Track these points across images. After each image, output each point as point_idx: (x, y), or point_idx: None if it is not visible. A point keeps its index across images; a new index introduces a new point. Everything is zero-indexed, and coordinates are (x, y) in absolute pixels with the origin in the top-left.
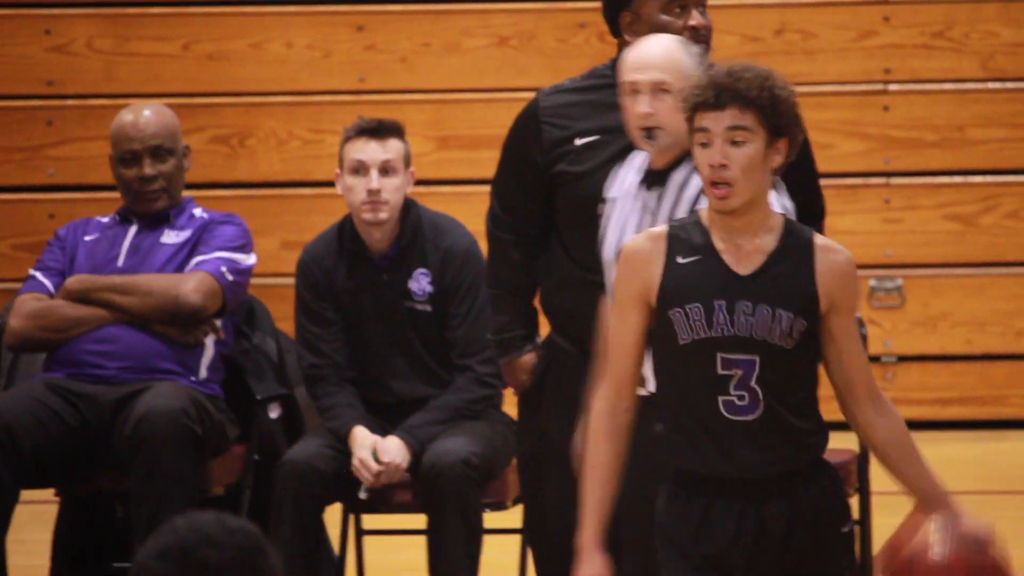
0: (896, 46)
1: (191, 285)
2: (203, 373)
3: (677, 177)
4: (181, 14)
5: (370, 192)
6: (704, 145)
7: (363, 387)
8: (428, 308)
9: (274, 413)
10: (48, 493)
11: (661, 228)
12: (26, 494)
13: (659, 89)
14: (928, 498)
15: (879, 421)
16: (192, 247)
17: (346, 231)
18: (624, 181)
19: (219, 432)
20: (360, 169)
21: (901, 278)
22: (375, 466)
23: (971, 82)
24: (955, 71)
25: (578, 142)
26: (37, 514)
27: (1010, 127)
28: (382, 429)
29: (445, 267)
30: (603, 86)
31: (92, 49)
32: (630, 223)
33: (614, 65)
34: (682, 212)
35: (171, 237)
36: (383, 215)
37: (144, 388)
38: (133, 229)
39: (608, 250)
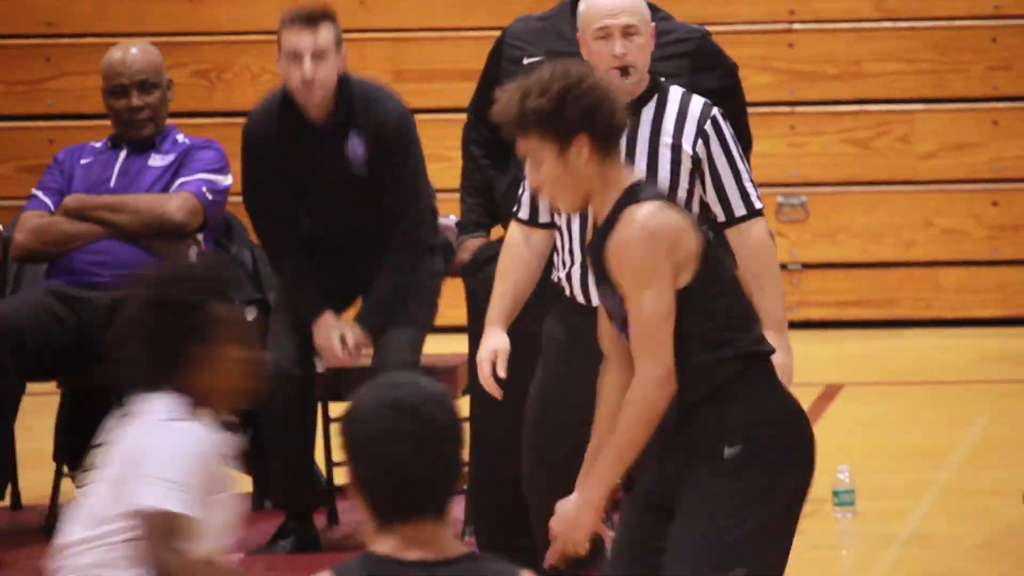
0: None
1: (175, 204)
2: None
3: (648, 110)
4: None
5: (304, 80)
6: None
7: (312, 246)
8: (364, 173)
9: (250, 316)
10: (51, 385)
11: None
12: (31, 386)
13: (629, 32)
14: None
15: (632, 379)
16: (176, 170)
17: (288, 102)
18: None
19: None
20: (295, 57)
21: (805, 195)
22: (340, 351)
23: (867, 21)
24: (853, 12)
25: (526, 61)
26: (41, 404)
27: (902, 61)
28: (333, 292)
29: (379, 134)
30: (558, 17)
31: None
32: None
33: (574, 1)
34: (666, 138)
35: (157, 160)
36: (316, 99)
37: None
38: (123, 154)
39: None
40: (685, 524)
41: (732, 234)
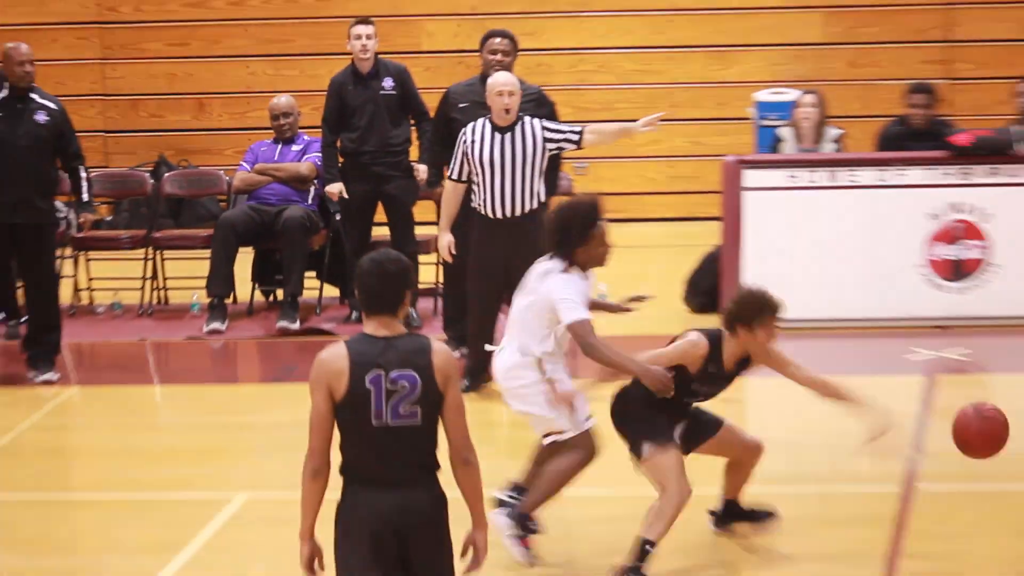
0: None
1: (305, 167)
2: (309, 200)
3: (518, 129)
4: None
5: (362, 48)
6: None
7: (356, 143)
8: (393, 93)
9: (338, 216)
10: (249, 249)
11: None
12: (241, 250)
13: (511, 94)
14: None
15: None
16: (303, 152)
17: (351, 66)
18: (483, 127)
19: (315, 224)
20: (357, 38)
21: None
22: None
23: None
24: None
25: (460, 106)
26: (246, 258)
27: None
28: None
29: (399, 76)
30: (476, 83)
31: None
32: (493, 148)
33: (482, 76)
34: (529, 149)
35: (294, 148)
36: (368, 61)
37: (287, 207)
38: (279, 145)
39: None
40: None
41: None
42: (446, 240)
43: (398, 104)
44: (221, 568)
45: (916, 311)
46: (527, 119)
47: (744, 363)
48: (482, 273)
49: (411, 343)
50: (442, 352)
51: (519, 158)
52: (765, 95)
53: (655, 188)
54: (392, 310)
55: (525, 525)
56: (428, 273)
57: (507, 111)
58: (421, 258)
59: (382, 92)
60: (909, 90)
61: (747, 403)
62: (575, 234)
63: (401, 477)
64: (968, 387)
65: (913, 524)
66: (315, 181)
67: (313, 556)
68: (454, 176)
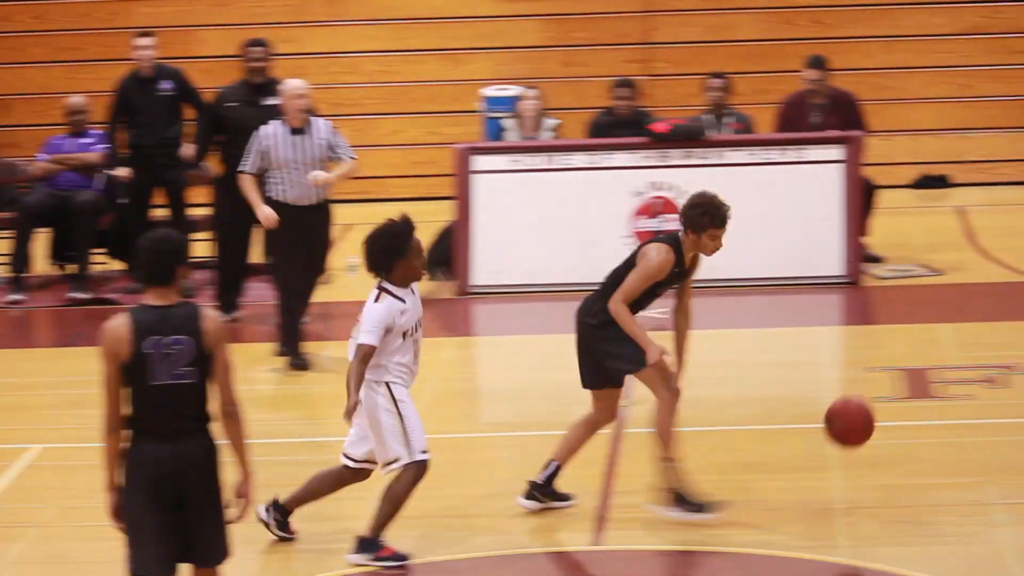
0: None
1: (95, 157)
2: (98, 186)
3: (309, 131)
4: None
5: (145, 56)
6: None
7: (139, 137)
8: (171, 94)
9: (122, 200)
10: (47, 230)
11: None
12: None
13: (302, 96)
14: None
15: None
16: (93, 144)
17: (135, 71)
18: (276, 129)
19: (103, 207)
20: (141, 48)
21: None
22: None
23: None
24: None
25: (226, 104)
26: (44, 237)
27: None
28: None
29: (176, 79)
30: (239, 87)
31: None
32: (286, 148)
33: (243, 82)
34: (316, 150)
35: (86, 140)
36: (148, 67)
37: (79, 192)
38: (73, 140)
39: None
40: None
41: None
42: (269, 211)
43: (175, 104)
44: (16, 513)
45: None
46: (315, 119)
47: (694, 260)
48: (282, 252)
49: (184, 311)
50: (211, 318)
51: (309, 155)
52: (491, 91)
53: (397, 172)
54: (168, 282)
55: (374, 544)
56: (202, 249)
57: (306, 112)
58: (196, 235)
59: (160, 94)
60: (614, 85)
61: (480, 358)
62: (389, 256)
63: (177, 429)
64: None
65: (621, 465)
66: (103, 170)
67: (118, 504)
68: (250, 169)
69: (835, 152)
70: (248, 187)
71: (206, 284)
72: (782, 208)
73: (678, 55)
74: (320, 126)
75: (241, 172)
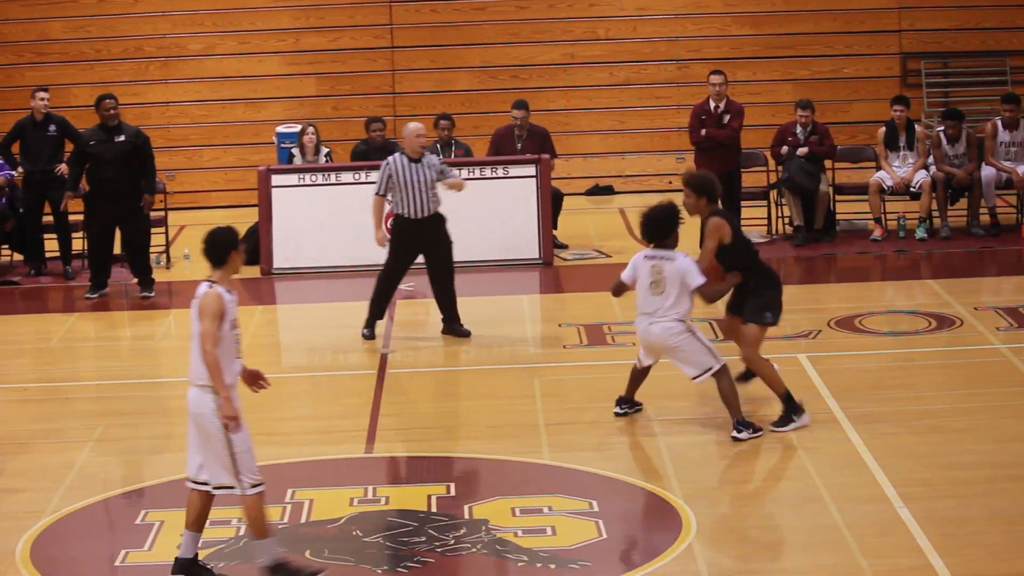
0: None
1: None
2: (2, 200)
3: (425, 161)
4: None
5: (43, 106)
6: None
7: (31, 164)
8: (55, 135)
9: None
10: None
11: None
12: None
13: (420, 135)
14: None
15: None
16: None
17: (31, 116)
18: (399, 159)
19: (7, 215)
20: (38, 99)
21: None
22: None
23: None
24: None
25: (91, 142)
26: None
27: None
28: None
29: (60, 124)
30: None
31: None
32: (407, 173)
33: (101, 126)
34: (431, 175)
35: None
36: (41, 114)
37: None
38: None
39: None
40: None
41: None
42: (382, 234)
43: (59, 141)
44: None
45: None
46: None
47: None
48: (397, 254)
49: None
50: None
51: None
52: (282, 128)
53: (217, 187)
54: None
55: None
56: (78, 244)
57: (424, 147)
58: (75, 234)
59: (49, 134)
60: (370, 122)
61: (280, 320)
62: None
63: None
64: (411, 306)
65: (384, 397)
66: (4, 188)
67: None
68: (380, 192)
69: (532, 170)
70: (374, 208)
71: (81, 270)
72: (495, 210)
73: (416, 101)
74: (432, 158)
75: (376, 195)
